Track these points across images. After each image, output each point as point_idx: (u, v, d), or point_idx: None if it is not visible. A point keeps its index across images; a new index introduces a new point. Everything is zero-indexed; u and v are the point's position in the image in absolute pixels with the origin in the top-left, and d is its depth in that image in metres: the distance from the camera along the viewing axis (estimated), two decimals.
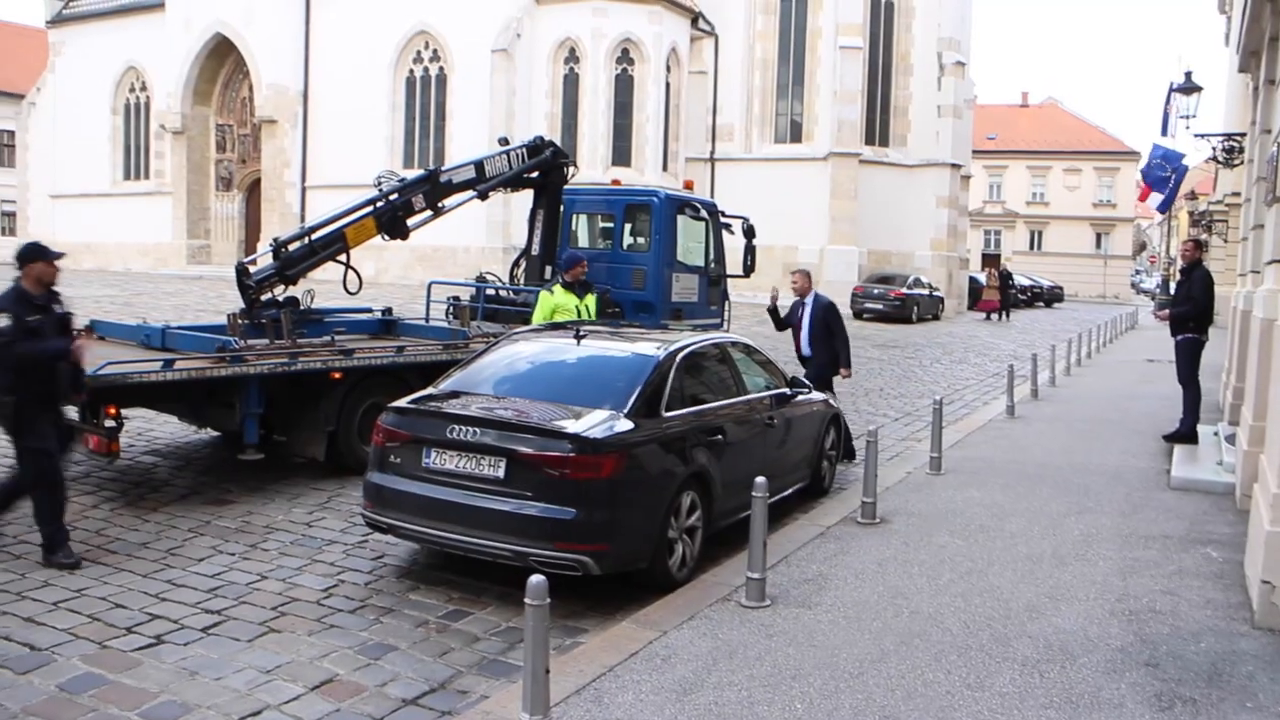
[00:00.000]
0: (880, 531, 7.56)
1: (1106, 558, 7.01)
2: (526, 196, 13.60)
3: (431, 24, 36.84)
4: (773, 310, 10.68)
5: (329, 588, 6.21)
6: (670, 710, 4.51)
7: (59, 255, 6.51)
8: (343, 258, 10.53)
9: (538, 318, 9.66)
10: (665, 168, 35.84)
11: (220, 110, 43.25)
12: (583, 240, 14.74)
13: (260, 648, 5.27)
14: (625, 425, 6.08)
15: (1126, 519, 8.11)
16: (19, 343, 6.12)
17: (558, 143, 13.72)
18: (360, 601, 6.00)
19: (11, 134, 51.91)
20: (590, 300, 9.97)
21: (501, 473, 5.88)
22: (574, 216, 14.55)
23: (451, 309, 12.98)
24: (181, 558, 6.64)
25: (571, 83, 35.00)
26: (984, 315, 36.55)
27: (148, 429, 10.39)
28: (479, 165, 12.12)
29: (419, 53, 37.62)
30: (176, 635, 5.37)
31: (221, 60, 42.04)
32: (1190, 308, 10.85)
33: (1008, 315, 36.85)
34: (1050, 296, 51.64)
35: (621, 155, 34.70)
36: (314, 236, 10.35)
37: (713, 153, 37.24)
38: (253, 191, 42.39)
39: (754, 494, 5.90)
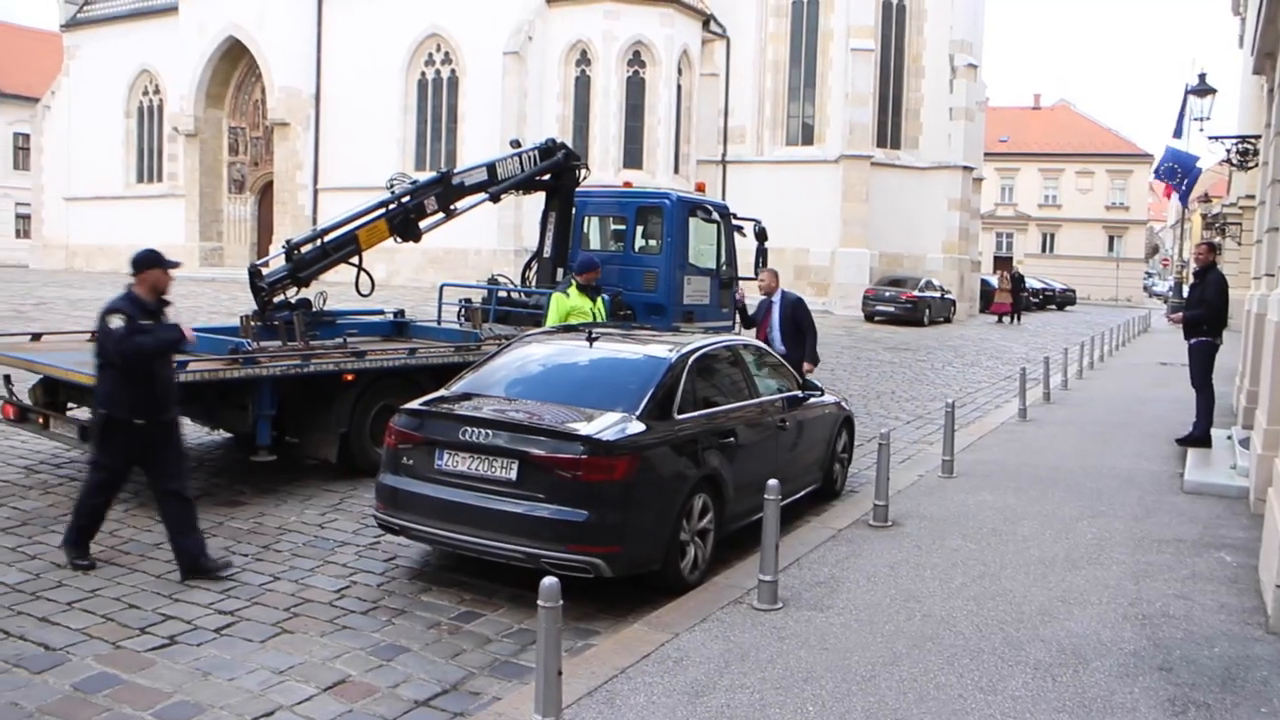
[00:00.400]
0: (892, 534, 7.55)
1: (1119, 561, 6.99)
2: (538, 199, 13.61)
3: (443, 26, 36.95)
4: (741, 309, 11.11)
5: (341, 589, 6.23)
6: (682, 712, 4.51)
7: (174, 264, 6.43)
8: (355, 260, 10.55)
9: (552, 320, 9.65)
10: (677, 170, 35.86)
11: (233, 113, 43.43)
12: (595, 242, 14.74)
13: (273, 648, 5.29)
14: (637, 427, 6.08)
15: (1139, 523, 8.08)
16: (133, 337, 6.06)
17: (569, 145, 13.72)
18: (372, 603, 6.01)
19: (26, 137, 52.24)
20: (600, 304, 10.00)
21: (514, 475, 5.89)
22: (586, 219, 14.54)
23: (463, 311, 12.99)
24: None
25: (583, 85, 35.04)
26: (996, 318, 36.44)
27: None
28: (491, 167, 12.12)
29: (431, 55, 37.73)
30: (190, 636, 5.39)
31: (234, 63, 42.23)
32: (1204, 311, 10.80)
33: (1019, 318, 36.74)
34: (1062, 299, 51.44)
35: (633, 158, 34.75)
36: (326, 239, 10.36)
37: (724, 155, 37.24)
38: (265, 194, 42.55)
39: (766, 496, 5.89)
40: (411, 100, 37.98)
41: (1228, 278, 11.71)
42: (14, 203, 54.57)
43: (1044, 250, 69.46)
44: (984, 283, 40.36)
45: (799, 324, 10.13)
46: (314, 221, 35.55)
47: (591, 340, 7.18)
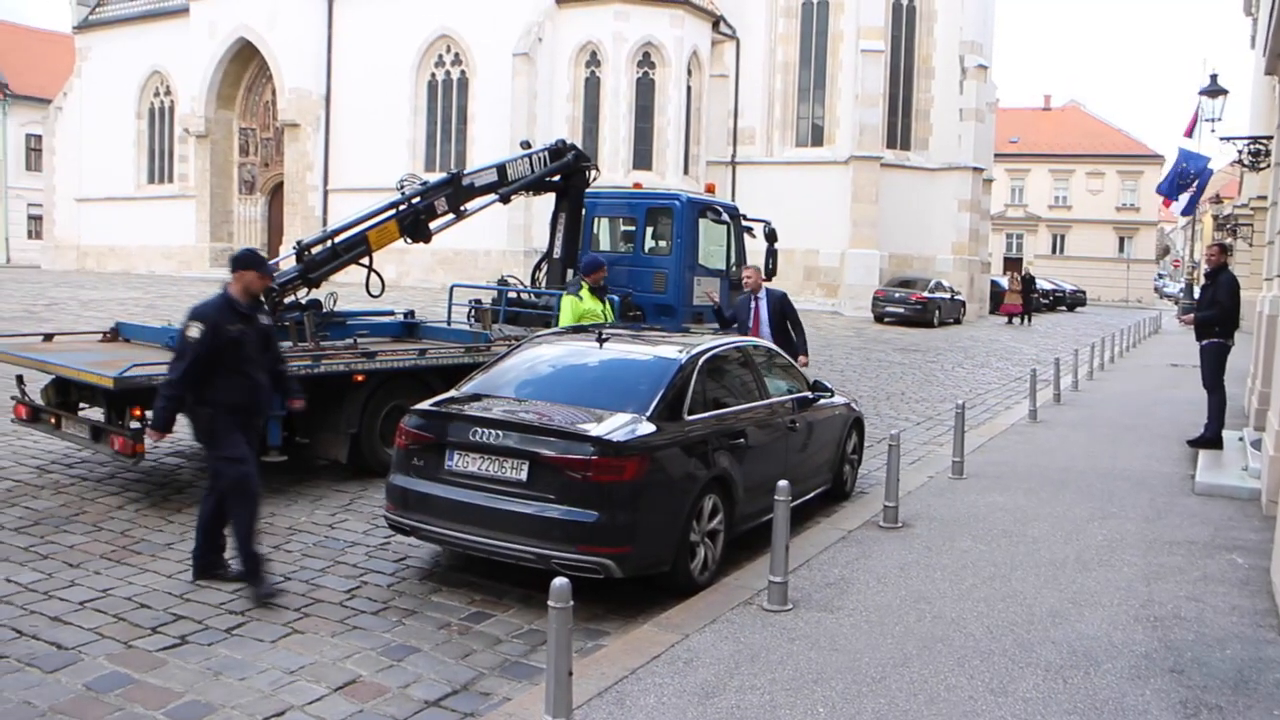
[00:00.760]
0: (902, 536, 7.54)
1: (1130, 563, 6.97)
2: (548, 200, 13.62)
3: (453, 27, 37.03)
4: (718, 310, 11.12)
5: (352, 589, 6.24)
6: (692, 713, 4.51)
7: (273, 270, 6.39)
8: (365, 261, 10.57)
9: (564, 321, 9.66)
10: (686, 171, 35.87)
11: (243, 114, 43.57)
12: (604, 244, 14.76)
13: (284, 648, 5.30)
14: (648, 428, 6.08)
15: (1150, 524, 8.06)
16: (179, 361, 6.01)
17: (579, 146, 13.74)
18: (383, 603, 6.03)
19: (39, 138, 52.42)
20: (608, 305, 10.02)
21: (524, 475, 5.90)
22: (595, 220, 14.57)
23: (473, 312, 13.02)
24: None
25: (593, 86, 35.08)
26: (1006, 319, 36.35)
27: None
28: (501, 168, 12.14)
29: (440, 56, 37.81)
30: (201, 635, 5.41)
31: (245, 64, 42.37)
32: (1215, 312, 10.75)
33: (1030, 319, 36.66)
34: (1072, 300, 51.32)
35: (642, 159, 34.76)
36: (337, 239, 10.38)
37: (734, 156, 37.20)
38: (275, 195, 42.66)
39: (776, 497, 5.90)
40: (421, 101, 38.06)
41: (1239, 279, 11.67)
42: (26, 204, 54.75)
43: (1054, 251, 69.26)
44: (994, 284, 40.28)
45: (787, 320, 10.16)
46: (324, 222, 35.68)
47: (601, 341, 7.20)
